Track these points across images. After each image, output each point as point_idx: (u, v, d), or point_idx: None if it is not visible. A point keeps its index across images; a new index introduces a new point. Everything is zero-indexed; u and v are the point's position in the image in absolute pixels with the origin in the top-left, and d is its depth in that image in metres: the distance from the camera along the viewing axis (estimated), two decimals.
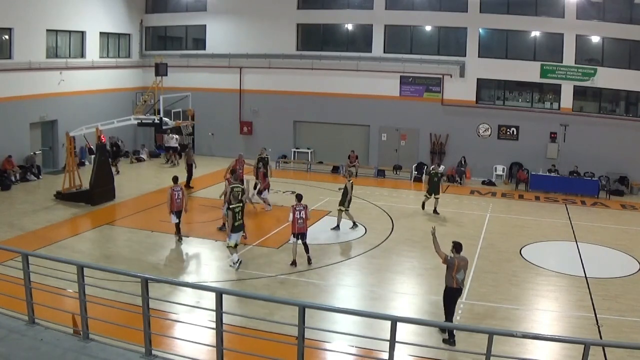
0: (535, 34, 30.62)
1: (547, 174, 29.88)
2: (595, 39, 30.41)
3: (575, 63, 30.36)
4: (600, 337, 13.49)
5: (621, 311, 15.13)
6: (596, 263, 18.96)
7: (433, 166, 25.85)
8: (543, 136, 30.65)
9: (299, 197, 17.44)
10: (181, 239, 19.13)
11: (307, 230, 17.14)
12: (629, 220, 25.12)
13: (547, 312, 15.18)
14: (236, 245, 16.65)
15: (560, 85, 30.55)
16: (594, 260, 19.24)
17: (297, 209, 16.85)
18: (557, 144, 30.56)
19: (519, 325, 13.89)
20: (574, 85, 30.50)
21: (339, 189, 22.12)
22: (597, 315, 14.71)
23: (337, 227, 20.98)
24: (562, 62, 30.38)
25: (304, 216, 16.82)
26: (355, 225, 21.12)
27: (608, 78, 30.07)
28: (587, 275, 17.59)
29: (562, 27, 29.97)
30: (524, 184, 29.94)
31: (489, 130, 31.11)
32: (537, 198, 28.40)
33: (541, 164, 30.19)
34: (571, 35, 30.00)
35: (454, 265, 12.76)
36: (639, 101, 31.22)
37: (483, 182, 30.62)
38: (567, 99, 30.64)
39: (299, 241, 17.08)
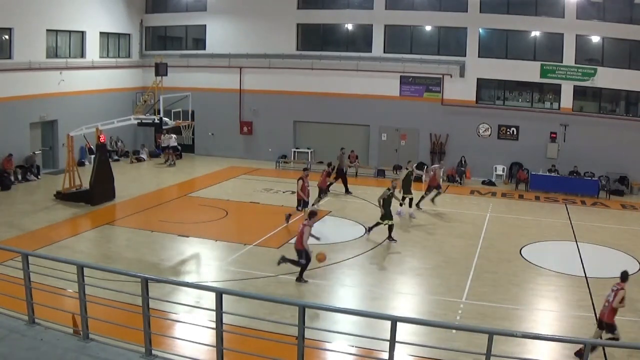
0: (535, 33, 30.66)
1: (547, 173, 29.93)
2: (595, 39, 30.46)
3: (575, 63, 30.40)
4: (601, 337, 13.19)
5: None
6: (596, 263, 18.92)
7: (409, 164, 25.23)
8: (543, 136, 30.68)
9: (310, 215, 16.89)
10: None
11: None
12: (629, 220, 25.13)
13: (547, 312, 15.18)
14: None
15: (560, 85, 30.59)
16: (594, 260, 19.21)
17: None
18: (557, 144, 30.58)
19: (519, 325, 13.88)
20: (574, 85, 30.55)
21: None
22: (597, 314, 14.35)
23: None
24: (562, 62, 30.43)
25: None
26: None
27: (608, 78, 30.12)
28: (587, 275, 17.57)
29: (562, 27, 30.01)
30: (524, 184, 29.96)
31: (489, 130, 31.12)
32: (537, 198, 28.41)
33: (541, 164, 30.20)
34: (571, 35, 30.04)
35: None
36: (639, 101, 31.22)
37: (483, 182, 30.61)
38: (567, 99, 30.68)
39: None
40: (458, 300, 15.19)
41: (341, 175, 27.07)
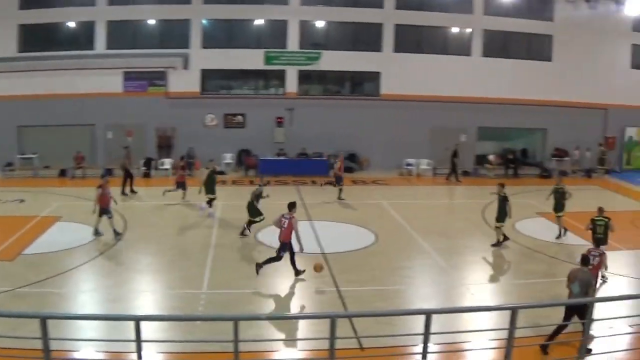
0: (259, 22, 30.80)
1: (276, 157, 29.79)
2: (320, 24, 31.20)
3: (300, 48, 31.05)
4: (346, 309, 14.01)
5: (362, 282, 15.96)
6: (332, 239, 19.67)
7: (210, 164, 24.68)
8: (270, 121, 31.34)
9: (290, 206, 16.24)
10: None
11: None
12: (359, 195, 26.38)
13: (289, 292, 15.50)
14: None
15: (284, 71, 31.07)
16: (330, 236, 19.92)
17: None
18: (284, 128, 31.13)
19: (263, 308, 14.19)
20: (299, 70, 31.11)
21: None
22: (339, 289, 15.30)
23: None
24: (286, 48, 30.61)
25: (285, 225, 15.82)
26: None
27: (333, 60, 31.44)
28: (324, 252, 18.14)
29: (286, 14, 30.96)
30: (253, 169, 29.52)
31: (216, 119, 30.58)
32: (268, 182, 28.14)
33: (270, 149, 30.33)
34: (295, 21, 30.98)
35: None
36: (363, 81, 32.12)
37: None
38: (292, 84, 31.64)
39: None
40: (199, 291, 15.11)
41: (128, 175, 26.06)
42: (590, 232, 17.04)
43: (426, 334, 8.72)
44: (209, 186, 22.15)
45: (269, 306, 14.43)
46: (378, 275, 16.50)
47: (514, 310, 9.02)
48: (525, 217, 23.23)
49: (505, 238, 19.35)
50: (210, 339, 11.41)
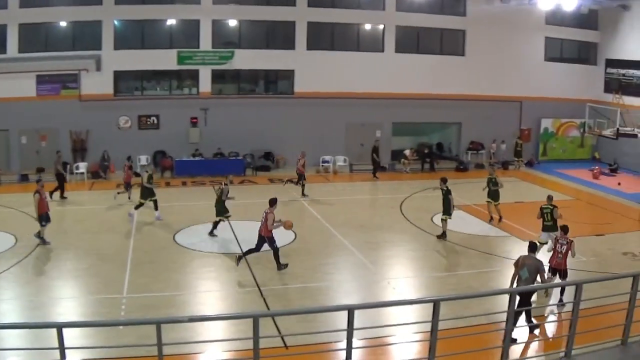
0: (172, 22, 30.90)
1: (192, 158, 29.99)
2: (232, 23, 31.46)
3: (213, 48, 31.11)
4: (268, 309, 14.31)
5: (284, 280, 16.31)
6: (252, 238, 19.56)
7: (148, 168, 24.78)
8: (184, 122, 31.39)
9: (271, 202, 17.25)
10: None
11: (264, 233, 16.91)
12: (277, 193, 25.81)
13: (210, 292, 15.83)
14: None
15: (198, 71, 31.27)
16: (249, 236, 19.77)
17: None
18: (199, 128, 31.42)
19: (185, 311, 14.22)
20: (212, 69, 31.31)
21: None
22: (261, 288, 15.58)
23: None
24: (199, 48, 30.69)
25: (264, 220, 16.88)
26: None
27: (246, 59, 31.62)
28: (244, 251, 18.18)
29: (199, 13, 31.00)
30: (169, 171, 29.69)
31: (129, 121, 30.58)
32: (184, 183, 29.11)
33: (185, 150, 30.32)
34: (207, 20, 31.08)
35: None
36: (277, 79, 32.35)
37: None
38: (205, 83, 31.71)
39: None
40: (119, 295, 15.13)
41: (62, 180, 25.78)
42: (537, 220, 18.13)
43: (349, 330, 8.80)
44: (145, 191, 22.20)
45: (191, 308, 14.55)
46: (299, 273, 16.84)
47: (436, 303, 9.19)
48: (440, 212, 23.83)
49: (443, 234, 20.29)
50: (134, 343, 11.33)
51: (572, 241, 14.52)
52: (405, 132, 34.69)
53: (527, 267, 12.52)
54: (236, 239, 19.77)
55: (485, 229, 21.67)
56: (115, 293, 15.19)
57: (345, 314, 8.88)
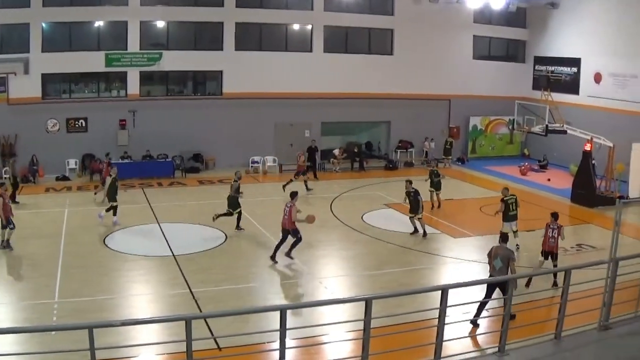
0: (100, 23, 30.72)
1: (121, 161, 30.10)
2: (161, 24, 31.49)
3: (141, 49, 31.09)
4: (200, 310, 14.41)
5: (216, 282, 16.44)
6: (182, 240, 20.08)
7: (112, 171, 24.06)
8: (113, 124, 31.18)
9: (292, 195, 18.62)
10: None
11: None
12: (207, 194, 26.80)
13: (142, 296, 15.85)
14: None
15: (126, 73, 31.23)
16: (179, 238, 20.36)
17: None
18: (127, 130, 31.35)
19: (117, 314, 14.25)
20: (140, 71, 31.37)
21: None
22: (193, 290, 15.73)
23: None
24: (127, 50, 30.71)
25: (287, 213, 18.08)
26: None
27: (174, 60, 31.65)
28: (174, 254, 18.54)
29: (126, 15, 30.80)
30: (98, 174, 29.47)
31: (58, 125, 30.39)
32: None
33: (114, 152, 30.28)
34: (135, 22, 30.97)
35: None
36: (206, 80, 32.46)
37: (57, 178, 29.92)
38: (133, 85, 31.58)
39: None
40: (51, 301, 15.03)
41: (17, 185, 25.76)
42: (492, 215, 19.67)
43: (282, 330, 8.77)
44: (111, 194, 22.08)
45: (123, 311, 14.58)
46: (231, 274, 17.01)
47: (367, 301, 9.19)
48: (373, 209, 24.55)
49: (416, 230, 21.07)
50: (67, 348, 10.99)
51: (561, 226, 16.02)
52: (334, 131, 35.15)
53: (500, 257, 13.46)
54: (166, 241, 19.80)
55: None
56: (46, 298, 15.13)
57: (278, 314, 8.86)
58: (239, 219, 21.17)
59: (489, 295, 13.31)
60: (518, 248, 19.00)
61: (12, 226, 18.86)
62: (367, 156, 34.65)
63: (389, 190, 26.64)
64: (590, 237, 21.55)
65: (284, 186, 26.41)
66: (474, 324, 13.35)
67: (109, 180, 22.36)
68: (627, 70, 31.24)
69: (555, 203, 25.90)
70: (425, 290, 13.83)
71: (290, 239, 18.16)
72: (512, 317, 11.48)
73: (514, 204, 19.03)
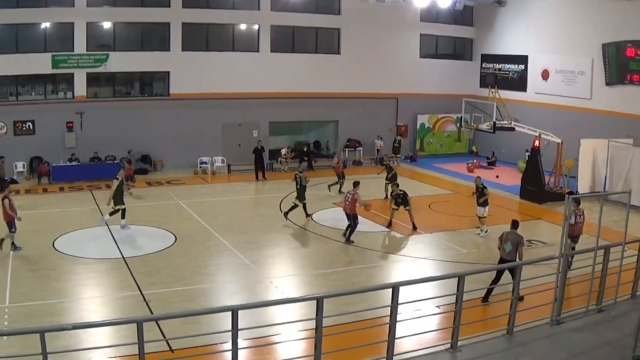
0: (46, 25, 30.66)
1: (68, 163, 30.29)
2: (107, 25, 31.60)
3: (87, 50, 31.28)
4: (151, 312, 14.61)
5: (166, 284, 16.67)
6: (131, 242, 20.42)
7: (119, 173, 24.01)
8: (60, 127, 31.22)
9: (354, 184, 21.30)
10: None
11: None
12: (155, 196, 27.10)
13: (93, 299, 15.94)
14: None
15: (73, 74, 31.27)
16: (128, 240, 20.68)
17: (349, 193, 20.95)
18: (75, 133, 31.46)
19: (68, 318, 14.23)
20: (87, 73, 31.49)
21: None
22: (143, 292, 15.94)
23: None
24: (73, 51, 30.78)
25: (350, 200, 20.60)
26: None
27: (121, 61, 31.85)
28: (124, 256, 18.75)
29: (72, 16, 30.76)
30: (46, 177, 29.84)
31: (5, 127, 30.35)
32: (62, 189, 28.80)
33: (62, 155, 30.50)
34: (82, 23, 30.99)
35: None
36: (153, 81, 32.72)
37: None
38: (80, 87, 31.62)
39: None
40: (2, 305, 15.00)
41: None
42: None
43: (234, 331, 8.91)
44: (117, 197, 22.05)
45: (74, 315, 14.58)
46: (181, 276, 17.20)
47: (319, 300, 9.40)
48: (323, 208, 25.06)
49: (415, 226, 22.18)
50: (19, 353, 10.99)
51: (583, 210, 17.58)
52: (282, 131, 35.68)
53: (510, 241, 14.84)
54: (116, 243, 20.04)
55: (365, 226, 22.17)
56: None
57: (229, 314, 9.01)
58: (305, 208, 23.24)
59: (496, 279, 14.71)
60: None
61: (14, 230, 19.11)
62: (315, 155, 35.12)
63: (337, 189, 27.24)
64: (541, 233, 22.26)
65: (329, 186, 28.14)
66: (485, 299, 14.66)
67: (115, 183, 22.17)
68: (575, 67, 32.26)
69: (505, 199, 26.78)
70: (376, 288, 13.94)
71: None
72: (521, 298, 12.09)
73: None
